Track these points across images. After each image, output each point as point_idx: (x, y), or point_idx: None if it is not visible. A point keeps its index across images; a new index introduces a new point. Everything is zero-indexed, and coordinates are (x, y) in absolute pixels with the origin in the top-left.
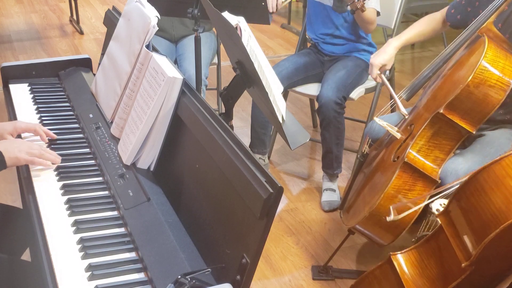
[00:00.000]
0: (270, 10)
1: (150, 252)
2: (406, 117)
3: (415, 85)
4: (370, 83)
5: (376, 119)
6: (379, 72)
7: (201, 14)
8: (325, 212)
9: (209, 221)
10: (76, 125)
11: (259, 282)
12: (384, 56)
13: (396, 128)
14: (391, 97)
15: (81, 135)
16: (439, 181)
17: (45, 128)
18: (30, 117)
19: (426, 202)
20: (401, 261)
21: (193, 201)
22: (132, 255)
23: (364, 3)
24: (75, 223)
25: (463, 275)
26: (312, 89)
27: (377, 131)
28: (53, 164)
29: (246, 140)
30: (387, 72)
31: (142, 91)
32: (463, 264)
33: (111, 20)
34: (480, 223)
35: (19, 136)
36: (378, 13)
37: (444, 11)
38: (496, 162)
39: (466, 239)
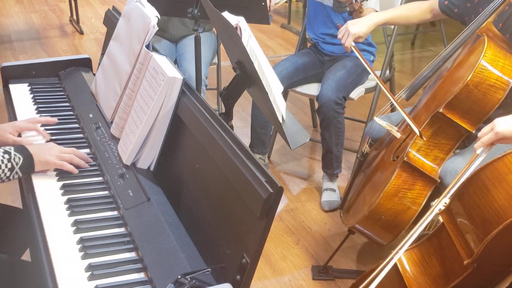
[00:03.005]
0: None
1: (150, 252)
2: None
3: (415, 85)
4: (370, 83)
5: (376, 118)
6: (353, 43)
7: (201, 14)
8: (325, 212)
9: (209, 221)
10: (76, 125)
11: (259, 282)
12: (362, 27)
13: (396, 128)
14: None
15: (81, 135)
16: (439, 181)
17: (43, 118)
18: (30, 117)
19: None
20: (403, 259)
21: (193, 201)
22: (132, 255)
23: (362, 4)
24: (75, 223)
25: (465, 273)
26: (312, 89)
27: (377, 131)
28: (81, 167)
29: (246, 140)
30: (387, 72)
31: (142, 91)
32: (465, 262)
33: (111, 20)
34: (482, 220)
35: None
36: None
37: (434, 1)
38: (499, 159)
39: (468, 236)
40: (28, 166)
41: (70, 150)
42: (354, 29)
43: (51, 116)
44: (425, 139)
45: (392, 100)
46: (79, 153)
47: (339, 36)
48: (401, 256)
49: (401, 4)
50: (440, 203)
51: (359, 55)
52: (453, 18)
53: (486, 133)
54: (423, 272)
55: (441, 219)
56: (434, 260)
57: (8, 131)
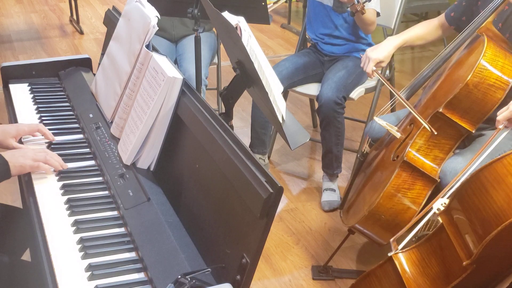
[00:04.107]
0: None
1: (150, 252)
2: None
3: (414, 85)
4: (370, 83)
5: (376, 118)
6: (374, 68)
7: (201, 14)
8: (325, 212)
9: (209, 221)
10: (76, 125)
11: (259, 282)
12: (382, 51)
13: (396, 128)
14: (391, 97)
15: (81, 135)
16: (439, 180)
17: (46, 129)
18: (30, 117)
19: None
20: (402, 260)
21: (193, 201)
22: (132, 255)
23: (364, 6)
24: (75, 223)
25: (464, 274)
26: (312, 89)
27: (377, 131)
28: (55, 170)
29: (246, 140)
30: (387, 72)
31: (142, 91)
32: (464, 263)
33: (111, 20)
34: (481, 221)
35: (20, 141)
36: (378, 14)
37: (441, 17)
38: (498, 160)
39: (467, 237)
40: (5, 173)
41: (43, 152)
42: (374, 54)
43: (51, 116)
44: (436, 133)
45: (405, 103)
46: (52, 155)
47: (362, 65)
48: (400, 256)
49: (400, 4)
50: (441, 201)
51: (382, 79)
52: (463, 28)
53: (503, 111)
54: (422, 272)
55: (440, 220)
56: (434, 261)
57: (11, 135)
